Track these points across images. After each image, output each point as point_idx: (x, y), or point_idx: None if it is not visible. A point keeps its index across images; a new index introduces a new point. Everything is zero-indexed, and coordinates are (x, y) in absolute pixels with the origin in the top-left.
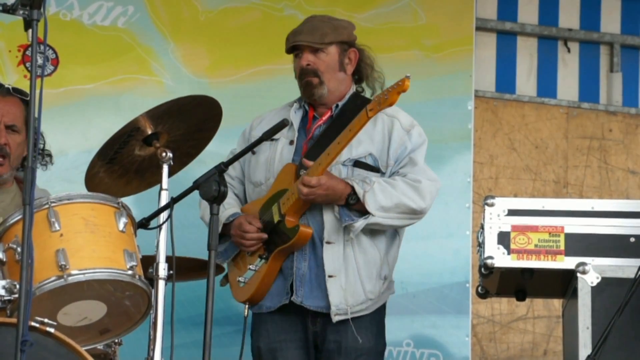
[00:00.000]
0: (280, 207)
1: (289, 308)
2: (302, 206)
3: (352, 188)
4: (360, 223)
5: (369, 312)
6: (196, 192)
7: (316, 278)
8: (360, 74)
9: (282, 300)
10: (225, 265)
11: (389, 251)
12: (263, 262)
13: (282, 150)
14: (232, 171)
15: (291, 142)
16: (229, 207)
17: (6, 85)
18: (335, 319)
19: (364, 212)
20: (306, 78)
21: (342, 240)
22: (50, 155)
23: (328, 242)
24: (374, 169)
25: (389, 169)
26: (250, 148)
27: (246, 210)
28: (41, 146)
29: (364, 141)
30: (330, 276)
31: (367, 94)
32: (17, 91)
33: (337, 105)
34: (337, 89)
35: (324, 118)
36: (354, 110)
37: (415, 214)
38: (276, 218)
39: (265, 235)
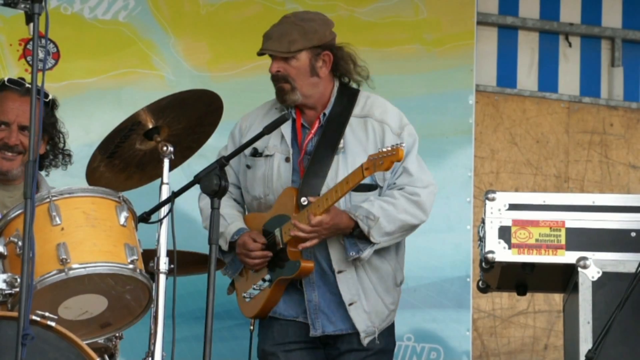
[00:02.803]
0: (282, 234)
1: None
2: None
3: (356, 222)
4: (366, 254)
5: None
6: (197, 186)
7: (333, 305)
8: (342, 71)
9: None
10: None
11: (398, 255)
12: (266, 286)
13: (279, 168)
14: (227, 177)
15: (287, 159)
16: (232, 220)
17: (27, 85)
18: (365, 341)
19: (368, 239)
20: (277, 84)
21: (352, 265)
22: (70, 155)
23: (340, 272)
24: (372, 187)
25: (385, 182)
26: (252, 142)
27: (248, 221)
28: (61, 146)
29: (358, 155)
30: (350, 304)
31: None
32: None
33: (324, 114)
34: (314, 92)
35: (313, 130)
36: (341, 115)
37: (417, 226)
38: (279, 244)
39: (270, 254)
